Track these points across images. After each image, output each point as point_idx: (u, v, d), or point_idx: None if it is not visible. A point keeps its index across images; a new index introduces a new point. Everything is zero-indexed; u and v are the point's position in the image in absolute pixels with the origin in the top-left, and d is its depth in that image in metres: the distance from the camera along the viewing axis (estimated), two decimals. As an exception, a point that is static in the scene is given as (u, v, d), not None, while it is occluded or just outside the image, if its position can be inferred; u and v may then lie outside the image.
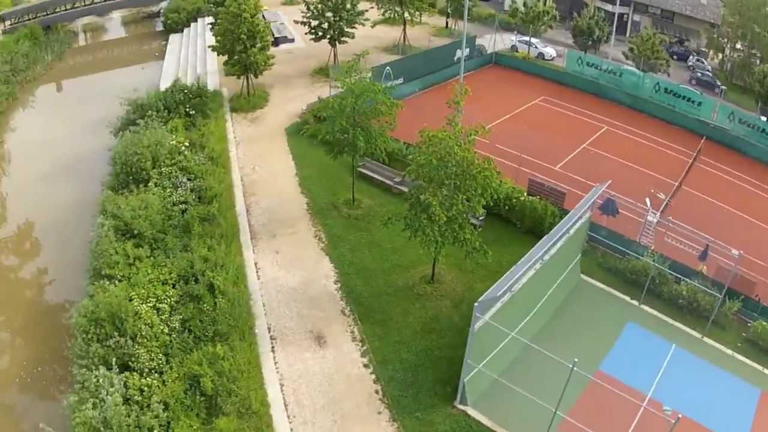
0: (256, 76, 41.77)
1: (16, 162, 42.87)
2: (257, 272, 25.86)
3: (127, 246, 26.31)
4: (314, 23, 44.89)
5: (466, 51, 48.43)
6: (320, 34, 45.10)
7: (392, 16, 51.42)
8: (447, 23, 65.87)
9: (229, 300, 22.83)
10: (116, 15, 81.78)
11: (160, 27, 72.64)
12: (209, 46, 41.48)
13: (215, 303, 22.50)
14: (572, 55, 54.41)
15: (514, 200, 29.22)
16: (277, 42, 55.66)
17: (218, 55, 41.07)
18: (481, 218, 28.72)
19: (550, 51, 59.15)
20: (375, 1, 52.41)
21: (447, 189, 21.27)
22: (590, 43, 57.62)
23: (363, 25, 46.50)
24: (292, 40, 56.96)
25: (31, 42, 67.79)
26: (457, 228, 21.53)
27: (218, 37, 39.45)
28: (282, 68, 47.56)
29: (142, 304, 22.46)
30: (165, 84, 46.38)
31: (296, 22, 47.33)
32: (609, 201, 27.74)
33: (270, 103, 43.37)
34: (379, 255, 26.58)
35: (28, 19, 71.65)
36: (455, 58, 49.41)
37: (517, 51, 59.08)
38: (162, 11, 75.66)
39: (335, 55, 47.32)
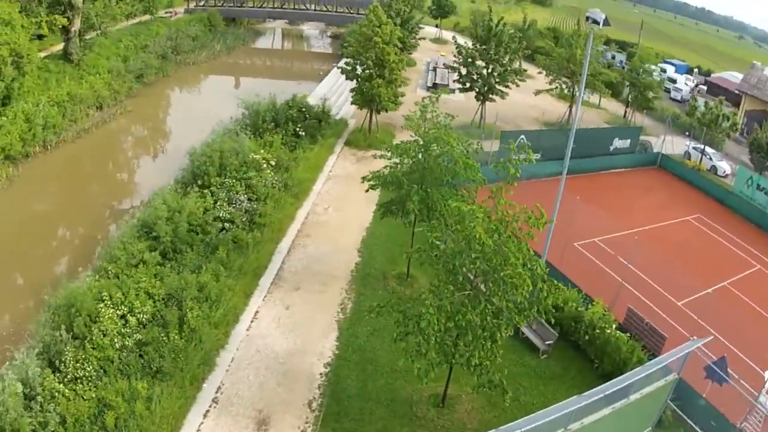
0: (378, 112, 42.60)
1: (125, 139, 48.59)
2: (251, 322, 25.47)
3: (140, 246, 27.72)
4: (463, 71, 45.03)
5: (626, 143, 46.02)
6: (468, 85, 45.04)
7: (560, 88, 50.20)
8: (625, 113, 65.16)
9: (194, 340, 22.72)
10: (306, 27, 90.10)
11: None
12: (339, 68, 43.35)
13: (176, 337, 22.52)
14: (743, 173, 49.94)
15: (598, 330, 25.94)
16: (435, 88, 56.88)
17: (346, 79, 42.70)
18: (548, 342, 25.85)
19: (724, 166, 55.46)
20: (544, 68, 51.52)
21: (464, 284, 19.01)
22: (768, 163, 52.84)
23: (517, 85, 45.59)
24: (452, 91, 57.76)
25: (204, 27, 77.17)
26: (473, 343, 18.91)
27: (349, 60, 41.08)
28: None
29: (110, 308, 23.22)
30: (322, 91, 49.60)
31: (446, 66, 47.87)
32: (721, 362, 23.39)
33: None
34: (396, 350, 24.84)
35: (213, 5, 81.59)
36: (612, 146, 47.08)
37: (689, 159, 56.45)
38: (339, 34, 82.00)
39: (482, 114, 46.89)
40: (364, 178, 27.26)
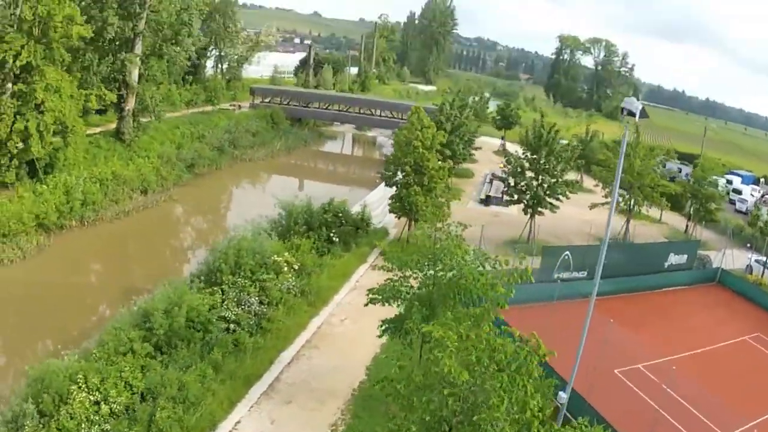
0: (415, 221, 43.07)
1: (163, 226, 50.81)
2: (227, 433, 25.22)
3: (133, 334, 28.36)
4: (512, 181, 45.29)
5: (683, 258, 44.73)
6: (515, 196, 45.22)
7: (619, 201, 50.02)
8: (687, 227, 63.93)
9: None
10: (374, 133, 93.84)
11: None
12: (378, 172, 44.47)
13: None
14: (813, 289, 46.83)
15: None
16: (488, 201, 57.34)
17: (386, 185, 43.69)
18: None
19: (789, 281, 51.87)
20: (600, 180, 51.40)
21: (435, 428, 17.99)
22: None
23: (567, 197, 45.35)
24: (506, 204, 57.71)
25: (266, 124, 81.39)
26: None
27: (389, 164, 42.22)
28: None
29: (83, 392, 23.54)
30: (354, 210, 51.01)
31: (494, 177, 48.51)
32: None
33: (426, 262, 43.95)
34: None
35: (278, 103, 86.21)
36: (667, 263, 45.95)
37: (750, 273, 53.79)
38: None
39: (531, 229, 46.68)
40: (369, 291, 27.36)
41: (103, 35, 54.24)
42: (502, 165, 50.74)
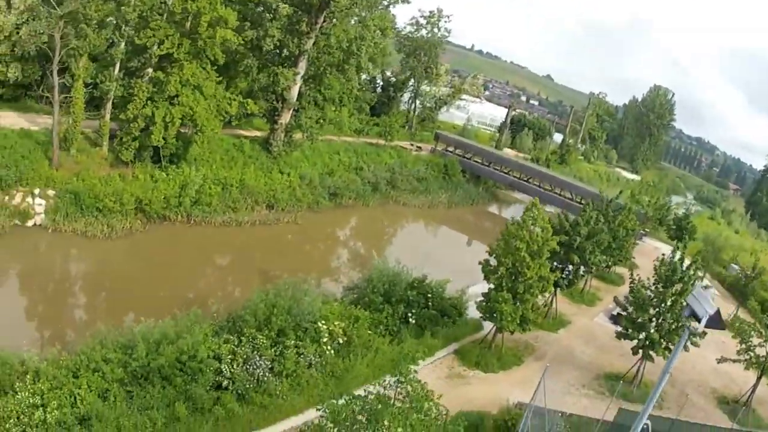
0: (500, 330, 34.90)
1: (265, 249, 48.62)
2: None
3: (112, 355, 25.58)
4: (630, 311, 35.34)
5: None
6: (628, 330, 35.20)
7: (750, 360, 37.19)
8: None
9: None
10: (551, 209, 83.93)
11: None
12: (480, 263, 36.44)
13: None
14: None
15: None
16: (616, 319, 45.73)
17: (484, 278, 35.81)
18: None
19: None
20: (737, 331, 38.51)
21: None
22: None
23: (696, 344, 33.90)
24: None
25: (437, 173, 75.81)
26: None
27: (492, 256, 34.68)
28: (581, 346, 40.33)
29: (26, 392, 22.30)
30: (475, 288, 43.92)
31: (617, 302, 38.82)
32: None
33: (502, 378, 34.85)
34: None
35: (460, 155, 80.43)
36: None
37: None
38: None
39: (640, 369, 36.10)
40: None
41: (260, 45, 52.64)
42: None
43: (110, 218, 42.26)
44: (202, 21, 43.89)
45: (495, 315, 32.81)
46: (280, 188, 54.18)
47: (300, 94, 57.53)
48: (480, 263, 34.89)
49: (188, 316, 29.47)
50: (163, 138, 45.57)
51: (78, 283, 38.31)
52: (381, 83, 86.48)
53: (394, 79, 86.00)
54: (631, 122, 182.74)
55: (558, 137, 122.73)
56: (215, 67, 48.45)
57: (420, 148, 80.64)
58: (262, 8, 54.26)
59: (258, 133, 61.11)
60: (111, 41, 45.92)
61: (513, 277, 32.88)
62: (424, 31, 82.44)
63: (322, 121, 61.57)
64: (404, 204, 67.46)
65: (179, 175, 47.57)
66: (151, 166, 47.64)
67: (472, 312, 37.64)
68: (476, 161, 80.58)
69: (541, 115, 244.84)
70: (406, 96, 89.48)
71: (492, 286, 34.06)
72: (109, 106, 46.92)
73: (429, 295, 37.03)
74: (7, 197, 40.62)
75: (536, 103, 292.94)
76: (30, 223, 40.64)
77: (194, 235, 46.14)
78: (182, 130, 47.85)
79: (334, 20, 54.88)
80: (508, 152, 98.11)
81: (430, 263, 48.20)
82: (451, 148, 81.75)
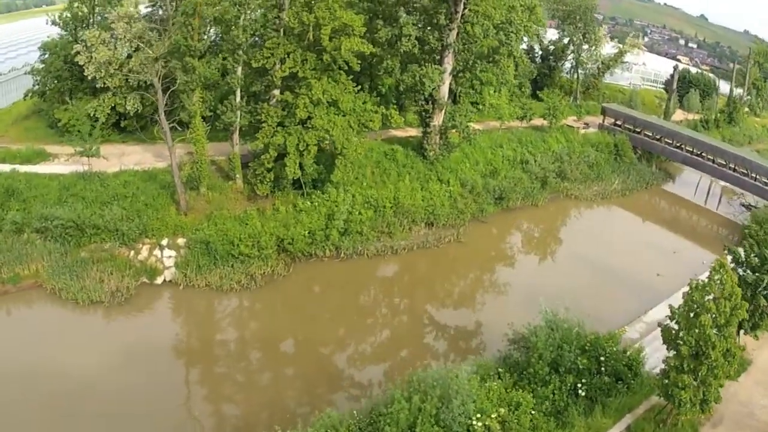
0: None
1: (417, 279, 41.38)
2: None
3: None
4: None
5: None
6: None
7: None
8: None
9: None
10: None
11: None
12: (659, 325, 26.38)
13: None
14: None
15: None
16: None
17: (663, 342, 25.96)
18: None
19: None
20: None
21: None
22: None
23: None
24: None
25: (608, 154, 65.01)
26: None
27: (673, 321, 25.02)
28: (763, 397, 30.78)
29: None
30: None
31: None
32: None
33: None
34: None
35: (630, 129, 69.08)
36: None
37: None
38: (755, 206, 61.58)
39: None
40: None
41: (396, 46, 45.73)
42: None
43: (248, 265, 37.01)
44: (323, 33, 37.40)
45: (673, 397, 23.87)
46: (440, 201, 46.62)
47: (451, 90, 49.09)
48: (659, 326, 25.82)
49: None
50: (300, 167, 39.24)
51: (222, 351, 32.95)
52: (540, 52, 76.11)
53: (552, 47, 75.36)
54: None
55: (723, 87, 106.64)
56: (351, 76, 41.67)
57: (587, 125, 69.64)
58: (393, 2, 47.12)
59: (413, 132, 53.27)
60: (225, 68, 39.99)
61: (696, 356, 23.78)
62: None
63: (481, 107, 52.78)
64: (575, 197, 57.33)
65: (325, 201, 41.50)
66: (293, 194, 42.06)
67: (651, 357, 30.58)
68: (647, 135, 68.56)
69: (701, 59, 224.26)
70: (567, 65, 78.60)
71: (672, 360, 25.04)
72: (236, 136, 41.09)
73: (602, 359, 28.22)
74: (132, 252, 36.42)
75: (695, 46, 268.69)
76: (159, 280, 36.30)
77: (344, 272, 39.99)
78: (325, 147, 41.09)
79: (477, 8, 46.10)
80: (678, 116, 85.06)
81: (608, 276, 42.87)
82: (619, 122, 70.16)
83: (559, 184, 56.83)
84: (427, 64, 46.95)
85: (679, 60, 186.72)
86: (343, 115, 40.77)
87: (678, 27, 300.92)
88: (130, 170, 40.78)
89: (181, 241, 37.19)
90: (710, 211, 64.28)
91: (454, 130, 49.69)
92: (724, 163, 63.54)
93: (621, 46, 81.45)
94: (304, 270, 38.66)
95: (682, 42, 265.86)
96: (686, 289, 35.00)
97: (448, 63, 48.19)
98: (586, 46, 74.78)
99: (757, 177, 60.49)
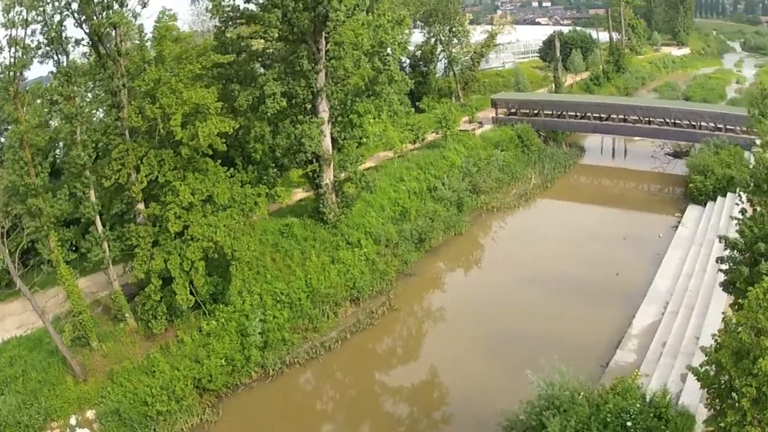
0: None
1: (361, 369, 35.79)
2: None
3: None
4: None
5: None
6: None
7: None
8: None
9: None
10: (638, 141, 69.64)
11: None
12: (688, 368, 22.47)
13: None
14: None
15: None
16: None
17: (701, 387, 22.07)
18: None
19: None
20: None
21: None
22: None
23: None
24: None
25: (514, 148, 62.09)
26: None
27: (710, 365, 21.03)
28: None
29: None
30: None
31: None
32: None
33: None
34: None
35: (527, 114, 66.51)
36: None
37: None
38: (690, 153, 60.64)
39: None
40: None
41: (261, 110, 40.16)
42: None
43: (172, 423, 30.99)
44: (173, 124, 31.96)
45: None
46: (357, 270, 41.65)
47: (333, 139, 44.27)
48: (688, 368, 21.77)
49: None
50: (191, 291, 33.59)
51: None
52: (408, 61, 72.59)
53: (420, 52, 71.98)
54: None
55: (602, 37, 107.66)
56: (219, 160, 36.29)
57: (481, 123, 66.43)
58: (246, 58, 42.16)
59: (302, 194, 48.39)
60: (76, 196, 33.98)
61: (757, 401, 19.93)
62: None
63: (365, 140, 48.55)
64: (497, 209, 53.73)
65: (232, 314, 35.83)
66: (194, 316, 35.94)
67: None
68: (547, 115, 66.21)
69: (561, 15, 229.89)
70: (440, 66, 75.54)
71: (731, 414, 20.87)
72: (111, 271, 34.66)
73: (629, 424, 24.15)
74: (42, 445, 29.72)
75: (549, 4, 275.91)
76: (82, 466, 29.74)
77: (279, 394, 34.25)
78: (213, 255, 35.31)
79: (341, 38, 41.89)
80: (569, 82, 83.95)
81: (566, 294, 39.01)
82: (514, 109, 67.50)
83: (475, 200, 53.21)
84: (301, 118, 42.07)
85: (539, 23, 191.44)
86: (224, 210, 35.39)
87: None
88: (14, 339, 34.06)
89: (90, 414, 30.88)
90: (637, 171, 62.80)
91: (349, 183, 44.88)
92: (638, 118, 62.13)
93: (490, 29, 79.19)
94: (234, 407, 32.85)
95: (535, 4, 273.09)
96: (662, 281, 36.62)
97: (324, 111, 43.09)
98: (455, 41, 71.81)
99: (677, 122, 59.79)
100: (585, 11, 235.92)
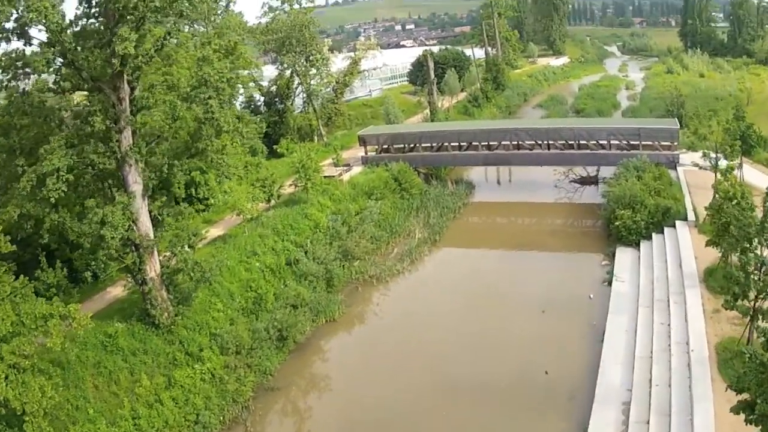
0: None
1: None
2: None
3: None
4: None
5: None
6: None
7: None
8: None
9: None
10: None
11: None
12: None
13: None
14: None
15: None
16: None
17: None
18: None
19: None
20: None
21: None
22: None
23: None
24: None
25: (390, 193, 53.63)
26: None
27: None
28: None
29: None
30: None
31: None
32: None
33: None
34: None
35: (402, 150, 58.64)
36: None
37: None
38: (601, 180, 54.91)
39: None
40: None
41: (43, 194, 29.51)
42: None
43: None
44: None
45: None
46: (201, 396, 31.65)
47: (154, 217, 33.98)
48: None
49: None
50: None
51: None
52: (262, 98, 63.63)
53: (275, 87, 63.03)
54: (531, 4, 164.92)
55: (478, 53, 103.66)
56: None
57: (349, 165, 57.71)
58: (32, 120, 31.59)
59: (119, 290, 37.31)
60: None
61: None
62: (284, 15, 61.67)
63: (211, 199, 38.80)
64: (377, 278, 44.50)
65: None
66: None
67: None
68: (425, 148, 58.51)
69: (425, 36, 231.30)
70: (299, 101, 66.89)
71: None
72: None
73: None
74: None
75: (412, 26, 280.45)
76: None
77: None
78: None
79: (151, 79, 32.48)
80: (445, 105, 77.49)
81: (486, 399, 30.70)
82: (386, 146, 59.34)
83: (348, 270, 44.14)
84: (99, 197, 32.21)
85: (404, 46, 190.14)
86: (7, 342, 24.74)
87: (389, 15, 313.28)
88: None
89: None
90: (542, 203, 56.05)
91: (180, 275, 34.69)
92: (536, 143, 55.47)
93: (353, 54, 71.60)
94: None
95: (398, 28, 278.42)
96: (612, 370, 29.44)
97: (136, 182, 32.62)
98: (314, 71, 63.35)
99: (582, 142, 53.85)
100: (450, 30, 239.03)
